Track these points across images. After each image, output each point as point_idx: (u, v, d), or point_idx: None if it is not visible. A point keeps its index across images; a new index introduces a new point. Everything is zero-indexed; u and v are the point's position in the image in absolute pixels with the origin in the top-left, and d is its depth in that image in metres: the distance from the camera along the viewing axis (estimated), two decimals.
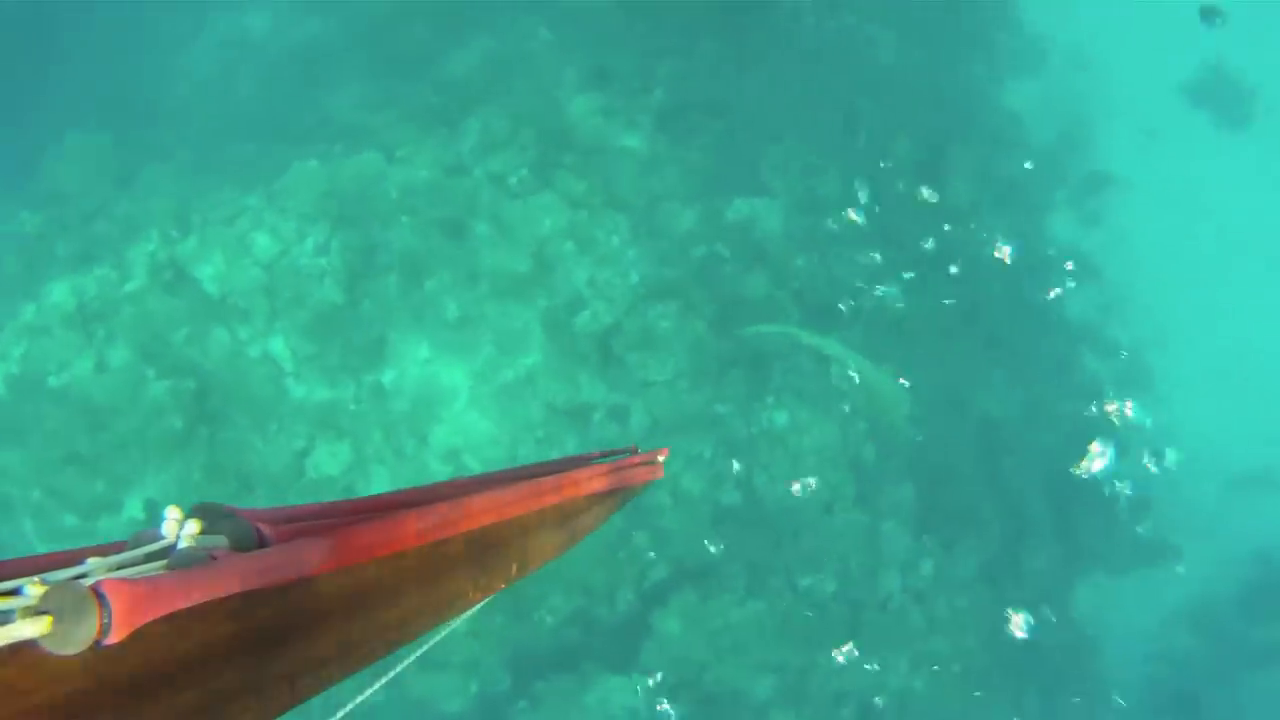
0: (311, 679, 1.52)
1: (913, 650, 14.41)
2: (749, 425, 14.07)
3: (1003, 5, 18.36)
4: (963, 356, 15.49)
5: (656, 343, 13.88)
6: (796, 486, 14.05)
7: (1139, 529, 17.64)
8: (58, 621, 1.04)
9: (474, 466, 13.07)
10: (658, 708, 13.17)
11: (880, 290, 14.96)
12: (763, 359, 14.21)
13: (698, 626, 13.41)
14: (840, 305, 14.71)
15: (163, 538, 1.34)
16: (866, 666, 14.17)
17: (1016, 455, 15.84)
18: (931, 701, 14.45)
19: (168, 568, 1.27)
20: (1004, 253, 16.07)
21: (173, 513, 1.37)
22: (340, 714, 1.97)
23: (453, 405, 13.57)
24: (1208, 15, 17.29)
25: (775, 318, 14.38)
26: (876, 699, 14.18)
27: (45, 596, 1.06)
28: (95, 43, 16.58)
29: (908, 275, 15.14)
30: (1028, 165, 17.00)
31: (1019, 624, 15.55)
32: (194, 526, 1.37)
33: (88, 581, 1.09)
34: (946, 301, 15.40)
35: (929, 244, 15.64)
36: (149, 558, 1.30)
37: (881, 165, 15.70)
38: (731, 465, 13.98)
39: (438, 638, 2.13)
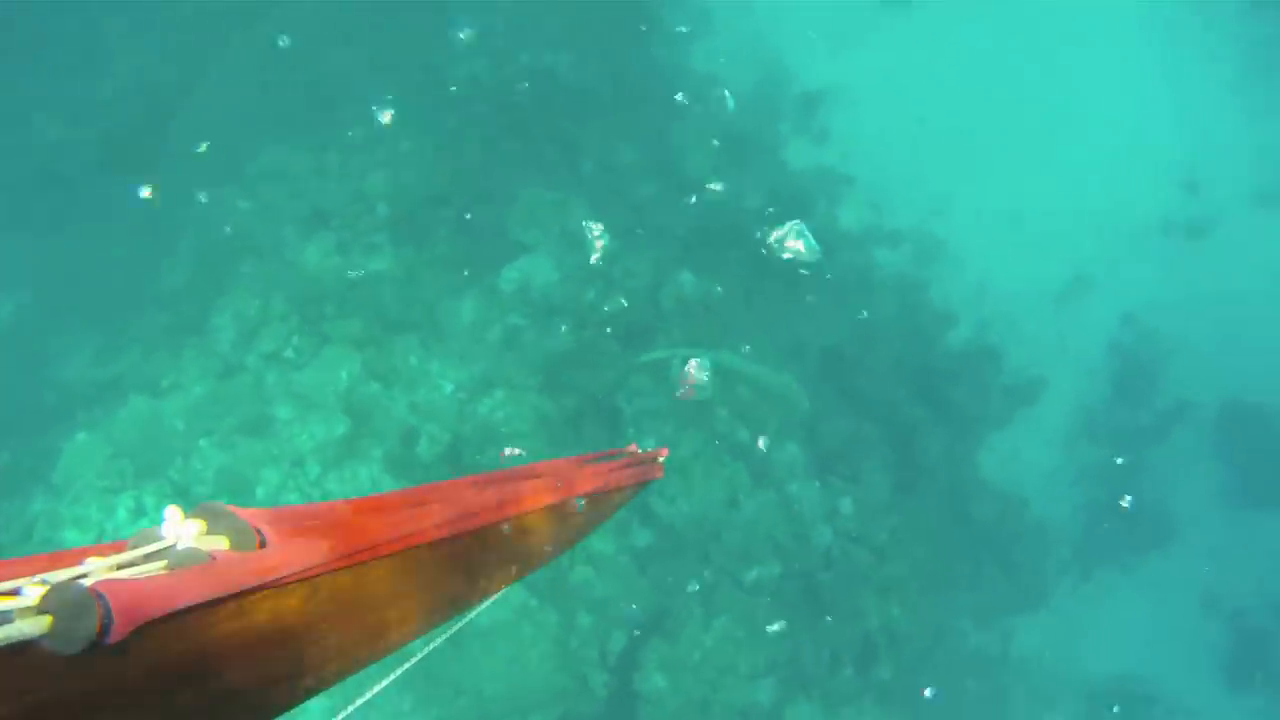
0: (311, 679, 1.50)
1: (874, 585, 14.39)
2: None
3: None
4: (778, 313, 15.66)
5: (500, 436, 13.45)
6: (687, 502, 13.85)
7: (1002, 379, 18.27)
8: (58, 621, 1.03)
9: None
10: None
11: (687, 286, 14.94)
12: (605, 398, 13.97)
13: (681, 669, 13.05)
14: (655, 321, 14.63)
15: (163, 538, 1.31)
16: (845, 624, 14.08)
17: (867, 370, 16.11)
18: (914, 618, 14.50)
19: (168, 568, 1.25)
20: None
21: (173, 513, 1.34)
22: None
23: None
24: None
25: (598, 358, 14.19)
26: (871, 640, 14.16)
27: (46, 596, 1.05)
28: None
29: (687, 274, 15.14)
30: (731, 103, 17.34)
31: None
32: (195, 527, 1.34)
33: (88, 582, 1.09)
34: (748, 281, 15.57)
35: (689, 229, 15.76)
36: (149, 558, 1.27)
37: (614, 182, 15.78)
38: (627, 513, 13.65)
39: (439, 640, 2.08)
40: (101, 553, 1.26)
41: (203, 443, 13.27)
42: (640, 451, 3.39)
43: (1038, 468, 18.58)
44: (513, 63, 16.47)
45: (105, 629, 1.04)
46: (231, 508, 1.39)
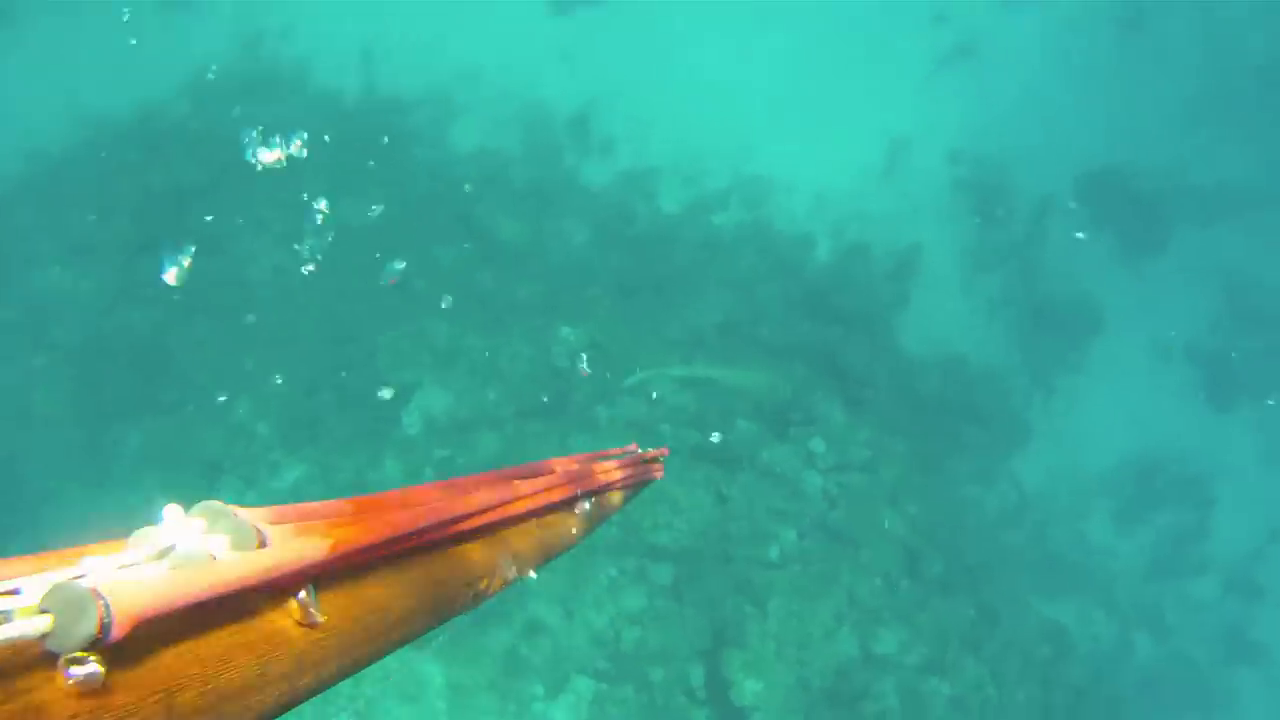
0: (311, 678, 1.51)
1: (881, 498, 14.67)
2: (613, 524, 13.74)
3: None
4: (660, 314, 15.90)
5: None
6: (683, 520, 13.92)
7: (881, 266, 18.75)
8: (58, 620, 1.03)
9: None
10: None
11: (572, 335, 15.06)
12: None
13: (765, 665, 13.13)
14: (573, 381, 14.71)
15: (163, 538, 1.30)
16: (877, 546, 14.25)
17: (766, 322, 16.42)
18: (929, 507, 14.78)
19: (168, 568, 1.26)
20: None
21: (174, 513, 1.33)
22: None
23: None
24: None
25: (540, 436, 14.21)
26: (907, 547, 14.37)
27: (45, 596, 1.05)
28: None
29: (566, 328, 15.26)
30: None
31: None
32: (195, 526, 1.34)
33: (88, 581, 1.08)
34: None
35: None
36: (149, 558, 1.26)
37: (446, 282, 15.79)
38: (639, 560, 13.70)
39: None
40: (101, 552, 1.26)
41: None
42: (641, 451, 3.44)
43: (954, 323, 19.06)
44: None
45: (105, 629, 1.05)
46: (231, 507, 1.40)
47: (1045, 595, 16.85)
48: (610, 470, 2.96)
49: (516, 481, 2.23)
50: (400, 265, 15.12)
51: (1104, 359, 19.91)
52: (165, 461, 14.02)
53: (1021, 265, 19.89)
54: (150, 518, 1.32)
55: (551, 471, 2.59)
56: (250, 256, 15.76)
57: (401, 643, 1.79)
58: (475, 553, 2.03)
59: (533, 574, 2.42)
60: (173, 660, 1.22)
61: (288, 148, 11.96)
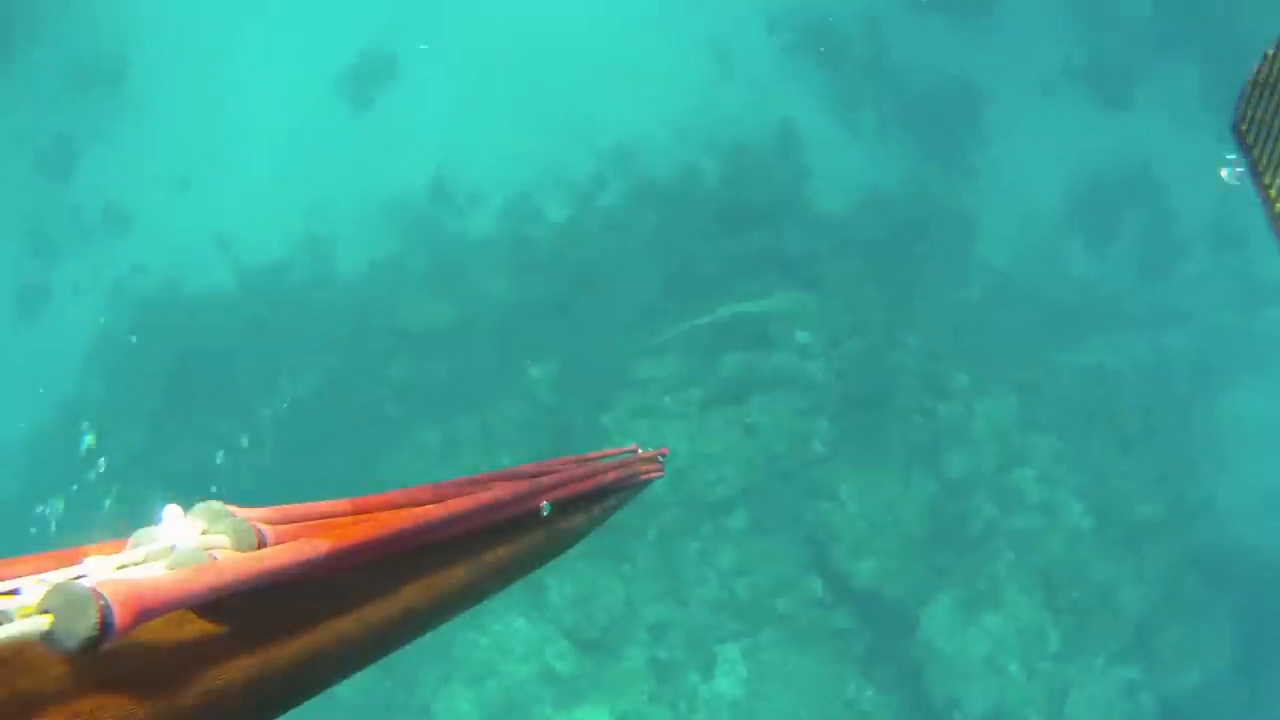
0: (311, 678, 1.52)
1: (890, 371, 15.01)
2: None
3: None
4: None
5: None
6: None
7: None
8: (58, 620, 1.04)
9: None
10: None
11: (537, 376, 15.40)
12: None
13: (867, 541, 13.69)
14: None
15: (163, 538, 1.33)
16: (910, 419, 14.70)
17: (582, 306, 16.79)
18: (932, 341, 15.13)
19: (168, 568, 1.27)
20: None
21: (173, 513, 1.36)
22: None
23: None
24: None
25: None
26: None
27: (45, 596, 1.06)
28: None
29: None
30: None
31: None
32: (194, 526, 1.37)
33: (88, 582, 1.09)
34: None
35: None
36: (149, 558, 1.29)
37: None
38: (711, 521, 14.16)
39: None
40: (101, 552, 1.28)
41: None
42: (641, 451, 3.40)
43: (857, 166, 19.29)
44: None
45: (105, 629, 1.04)
46: (231, 507, 1.42)
47: (1068, 347, 17.32)
48: (604, 472, 2.94)
49: (516, 482, 2.23)
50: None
51: (1002, 118, 20.20)
52: None
53: (883, 82, 20.18)
54: (150, 518, 1.36)
55: (555, 470, 2.56)
56: None
57: (402, 642, 1.83)
58: (477, 550, 2.04)
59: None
60: (172, 660, 1.24)
61: None
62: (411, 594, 1.78)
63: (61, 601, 1.04)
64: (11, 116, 21.97)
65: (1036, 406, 15.22)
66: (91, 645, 1.04)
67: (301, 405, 16.37)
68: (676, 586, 14.14)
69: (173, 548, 1.31)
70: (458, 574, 1.95)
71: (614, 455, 3.20)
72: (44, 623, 1.04)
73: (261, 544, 1.40)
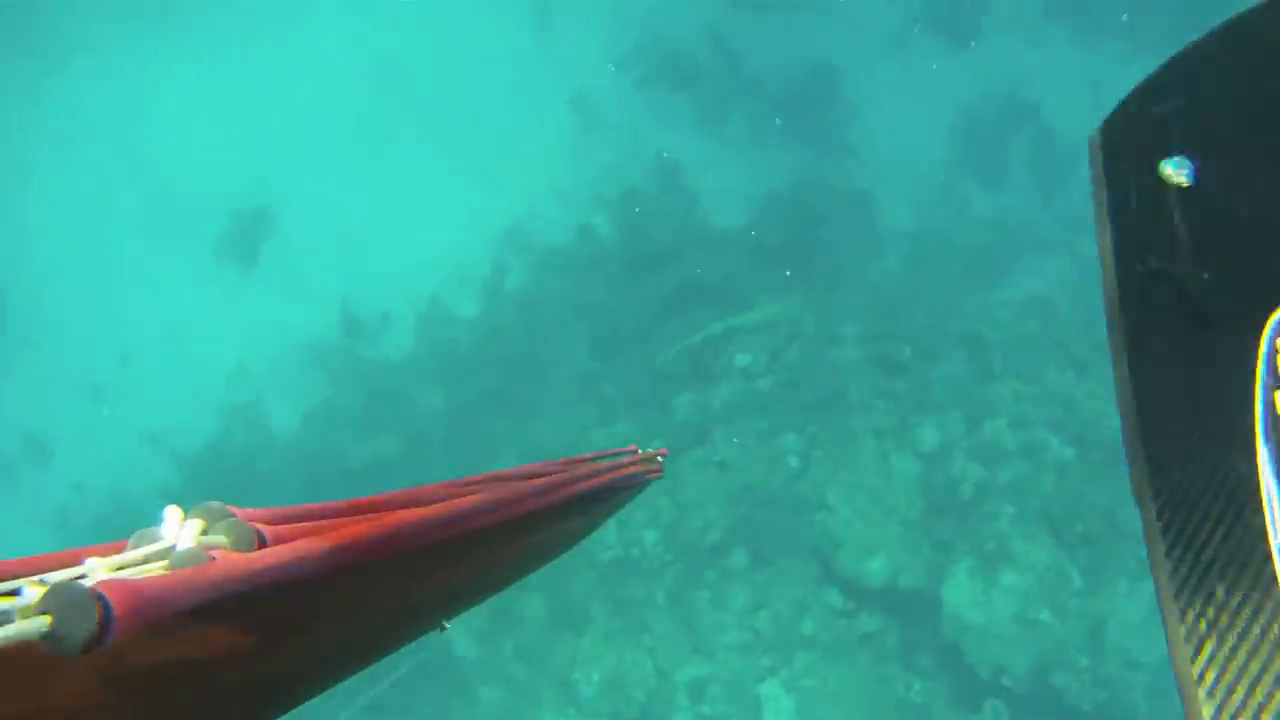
0: (311, 679, 1.53)
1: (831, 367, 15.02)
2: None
3: None
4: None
5: None
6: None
7: None
8: (57, 621, 1.03)
9: None
10: None
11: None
12: None
13: (868, 540, 13.67)
14: None
15: (162, 539, 1.33)
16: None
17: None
18: (887, 317, 15.15)
19: (167, 569, 1.26)
20: None
21: (173, 513, 1.36)
22: None
23: None
24: None
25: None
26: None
27: (45, 597, 1.05)
28: None
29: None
30: None
31: None
32: (194, 527, 1.36)
33: (88, 582, 1.09)
34: None
35: None
36: (149, 558, 1.28)
37: None
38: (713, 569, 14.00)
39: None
40: (101, 553, 1.26)
41: None
42: (641, 452, 3.41)
43: (731, 202, 19.44)
44: None
45: (105, 629, 1.04)
46: (230, 508, 1.41)
47: (995, 287, 17.48)
48: (604, 472, 2.92)
49: (516, 483, 2.22)
50: None
51: (865, 89, 20.31)
52: None
53: (742, 90, 20.24)
54: (150, 519, 1.34)
55: (555, 471, 2.55)
56: None
57: (402, 643, 1.84)
58: (474, 553, 2.02)
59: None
60: (171, 661, 1.24)
61: None
62: (411, 594, 1.80)
63: (61, 602, 1.04)
64: None
65: (985, 355, 15.26)
66: (91, 646, 1.04)
67: None
68: (699, 641, 13.99)
69: (172, 548, 1.31)
70: (458, 574, 1.96)
71: (613, 456, 3.19)
72: (44, 623, 1.04)
73: (261, 545, 1.40)
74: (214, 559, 1.30)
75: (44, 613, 1.04)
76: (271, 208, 21.52)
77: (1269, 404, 1.78)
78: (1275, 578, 1.66)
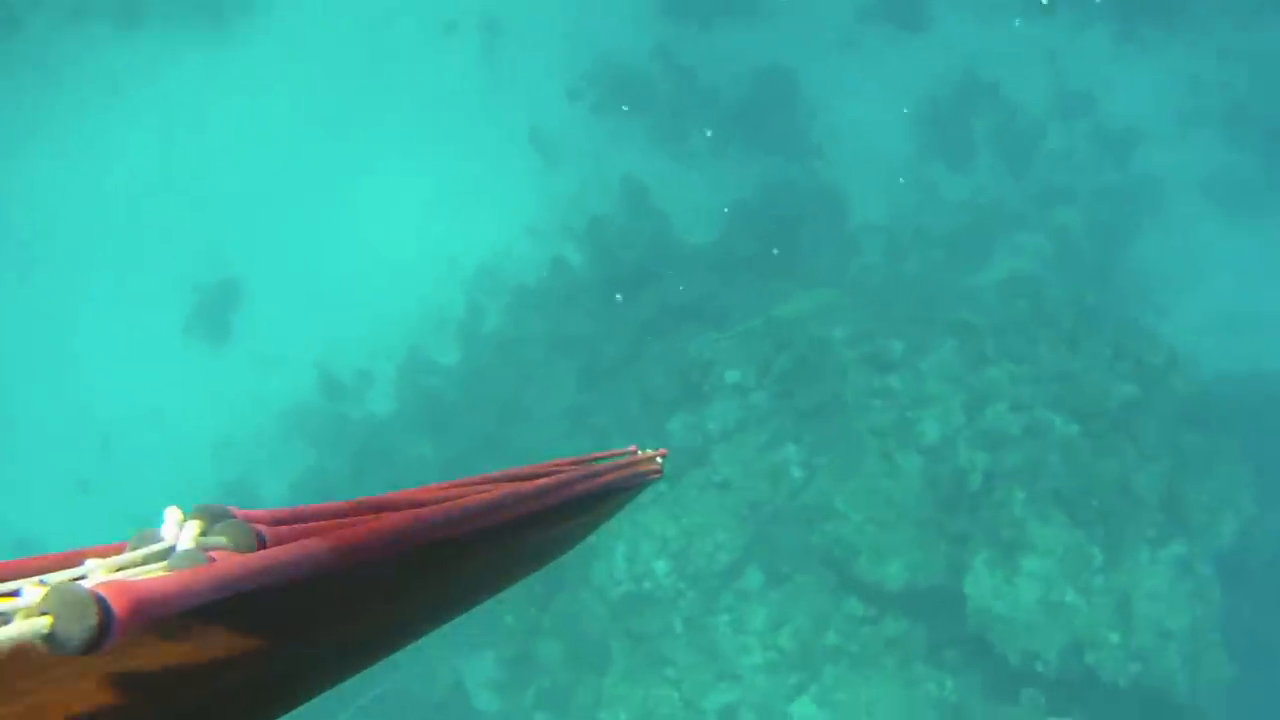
0: (311, 679, 1.52)
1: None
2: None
3: None
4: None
5: None
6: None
7: None
8: (57, 622, 1.02)
9: None
10: None
11: None
12: None
13: (879, 548, 13.42)
14: None
15: (162, 539, 1.30)
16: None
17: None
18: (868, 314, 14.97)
19: (167, 569, 1.24)
20: None
21: (172, 514, 1.34)
22: None
23: None
24: None
25: None
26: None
27: (45, 598, 1.04)
28: None
29: None
30: None
31: None
32: (194, 528, 1.34)
33: (88, 583, 1.08)
34: None
35: None
36: (148, 559, 1.26)
37: None
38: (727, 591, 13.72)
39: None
40: (101, 554, 1.25)
41: None
42: (641, 452, 3.39)
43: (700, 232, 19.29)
44: None
45: (105, 630, 1.03)
46: (231, 508, 1.39)
47: (975, 270, 17.38)
48: (604, 472, 2.91)
49: (516, 483, 2.20)
50: None
51: (822, 86, 20.28)
52: None
53: (698, 104, 20.11)
54: (150, 520, 1.32)
55: (555, 471, 2.53)
56: None
57: (401, 645, 1.85)
58: (476, 552, 2.00)
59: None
60: (171, 662, 1.24)
61: None
62: (412, 594, 1.80)
63: (61, 603, 1.04)
64: None
65: (976, 341, 15.04)
66: (92, 647, 1.03)
67: None
68: (724, 666, 13.70)
69: (172, 549, 1.29)
70: (459, 574, 1.95)
71: (613, 457, 3.15)
72: (44, 624, 1.03)
73: (261, 545, 1.39)
74: (214, 560, 1.29)
75: (44, 614, 1.04)
76: (237, 278, 21.19)
77: None
78: None
